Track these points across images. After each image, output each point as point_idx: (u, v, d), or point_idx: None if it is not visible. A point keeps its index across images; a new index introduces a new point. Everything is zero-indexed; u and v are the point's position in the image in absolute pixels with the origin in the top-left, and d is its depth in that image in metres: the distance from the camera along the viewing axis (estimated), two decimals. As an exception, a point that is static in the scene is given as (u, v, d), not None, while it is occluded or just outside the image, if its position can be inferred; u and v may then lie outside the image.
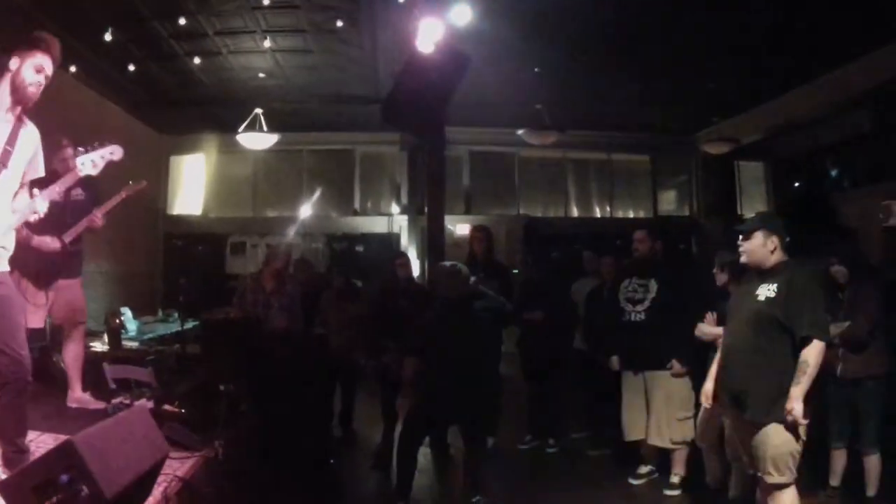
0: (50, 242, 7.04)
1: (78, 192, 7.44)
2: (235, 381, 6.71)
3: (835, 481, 7.47)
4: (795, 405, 5.10)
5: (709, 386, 6.10)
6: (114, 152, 5.53)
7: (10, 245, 5.02)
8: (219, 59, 13.06)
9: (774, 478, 5.36)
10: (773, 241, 5.54)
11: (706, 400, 6.13)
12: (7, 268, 5.01)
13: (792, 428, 5.23)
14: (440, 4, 9.32)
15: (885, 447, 7.21)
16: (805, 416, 5.13)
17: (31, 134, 5.00)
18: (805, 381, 5.12)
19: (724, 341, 5.91)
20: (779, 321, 5.28)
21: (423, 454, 8.52)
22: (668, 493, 7.85)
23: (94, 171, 5.40)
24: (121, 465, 3.69)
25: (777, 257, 5.54)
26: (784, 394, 5.19)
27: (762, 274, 5.57)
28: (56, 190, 5.02)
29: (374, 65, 13.28)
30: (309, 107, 15.41)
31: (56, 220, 7.18)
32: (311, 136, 17.77)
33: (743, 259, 5.70)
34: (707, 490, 7.54)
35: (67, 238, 7.22)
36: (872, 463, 7.27)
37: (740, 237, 5.71)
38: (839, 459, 7.42)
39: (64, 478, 3.37)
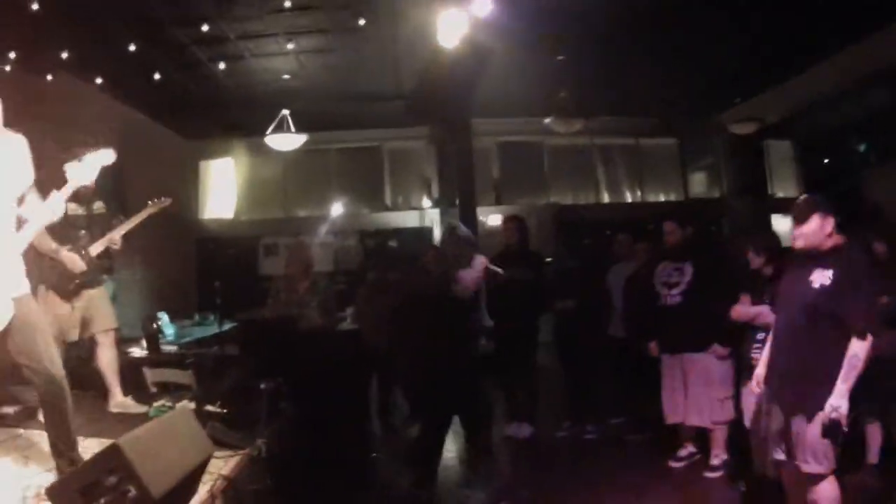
0: (77, 262, 7.15)
1: (100, 206, 7.55)
2: (274, 379, 6.77)
3: (872, 458, 7.46)
4: (842, 402, 5.04)
5: (760, 371, 6.07)
6: (106, 156, 5.56)
7: (20, 265, 5.03)
8: (242, 63, 13.14)
9: (811, 466, 5.33)
10: (830, 224, 5.47)
11: (758, 385, 6.10)
12: (27, 288, 5.04)
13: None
14: (461, -4, 9.34)
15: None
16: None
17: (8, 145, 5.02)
18: (853, 377, 5.07)
19: (775, 326, 5.86)
20: (832, 310, 5.22)
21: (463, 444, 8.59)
22: (709, 475, 7.85)
23: (88, 180, 5.45)
24: (166, 466, 3.74)
25: (833, 240, 5.48)
26: (829, 385, 5.16)
27: (817, 257, 5.50)
28: (56, 199, 5.02)
29: (397, 61, 13.31)
30: (334, 106, 15.46)
31: (79, 233, 7.30)
32: (338, 134, 17.82)
33: (799, 244, 5.62)
34: (749, 472, 7.53)
35: (92, 252, 7.32)
36: (872, 432, 7.28)
37: (794, 222, 5.64)
38: (874, 436, 7.40)
39: (111, 480, 3.41)
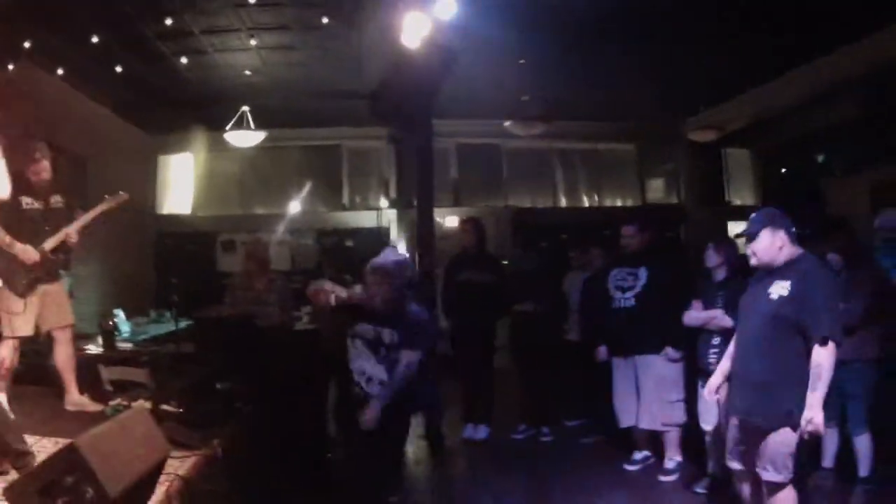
0: (31, 253, 7.10)
1: (57, 200, 7.49)
2: (231, 378, 6.76)
3: (827, 462, 7.59)
4: (816, 414, 5.10)
5: (715, 380, 6.13)
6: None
7: None
8: (205, 58, 13.09)
9: (771, 475, 5.40)
10: (781, 238, 5.53)
11: (710, 394, 6.18)
12: None
13: (796, 429, 5.27)
14: (425, -1, 9.36)
15: (874, 428, 7.32)
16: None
17: None
18: (822, 387, 5.12)
19: (737, 339, 5.91)
20: (792, 320, 5.29)
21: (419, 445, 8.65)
22: (664, 478, 7.94)
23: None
24: (124, 466, 3.73)
25: (787, 253, 5.54)
26: (796, 398, 5.22)
27: (774, 271, 5.57)
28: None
29: (360, 60, 13.32)
30: (295, 103, 15.44)
31: (37, 226, 7.25)
32: (298, 132, 17.71)
33: (753, 262, 5.69)
34: (702, 475, 7.60)
35: (47, 247, 7.27)
36: (863, 443, 7.38)
37: (745, 240, 5.71)
38: (830, 440, 7.52)
39: (68, 480, 3.41)
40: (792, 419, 5.23)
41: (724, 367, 6.09)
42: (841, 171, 15.97)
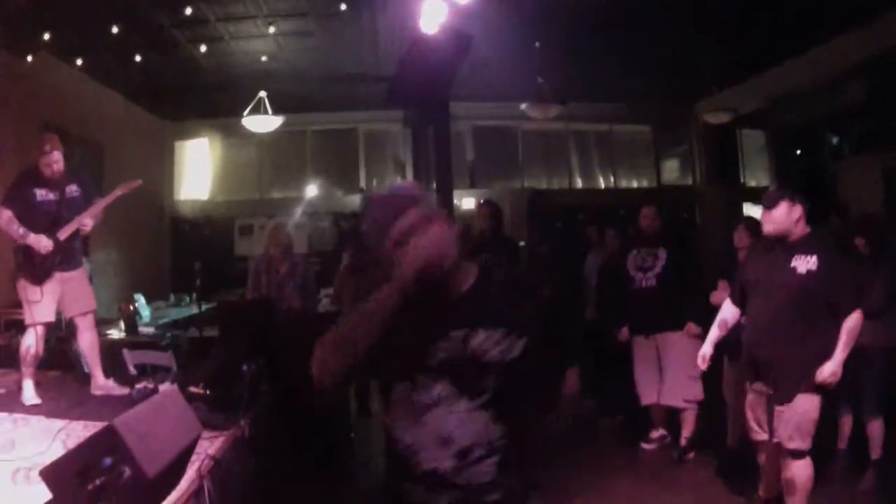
0: (44, 242, 7.20)
1: (73, 189, 7.58)
2: (255, 361, 6.82)
3: (842, 444, 7.69)
4: (838, 369, 5.22)
5: (707, 350, 6.22)
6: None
7: None
8: (221, 46, 13.11)
9: (796, 443, 5.48)
10: (798, 211, 5.59)
11: (703, 362, 6.26)
12: None
13: (819, 398, 5.36)
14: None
15: (887, 414, 7.41)
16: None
17: None
18: (848, 348, 5.24)
19: (752, 313, 5.96)
20: (822, 293, 5.36)
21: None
22: (680, 456, 8.02)
23: None
24: (160, 446, 3.80)
25: (802, 227, 5.60)
26: (818, 364, 5.31)
27: (792, 245, 5.62)
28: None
29: (376, 45, 13.32)
30: (312, 88, 15.45)
31: (53, 216, 7.34)
32: (315, 116, 17.78)
33: (768, 229, 5.74)
34: (719, 450, 7.68)
35: (62, 236, 7.36)
36: (875, 428, 7.45)
37: (764, 208, 5.76)
38: (845, 424, 7.64)
39: (106, 461, 3.46)
40: (817, 388, 5.32)
41: (713, 335, 6.20)
42: (854, 154, 15.99)
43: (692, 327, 7.94)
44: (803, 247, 5.55)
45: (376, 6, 11.58)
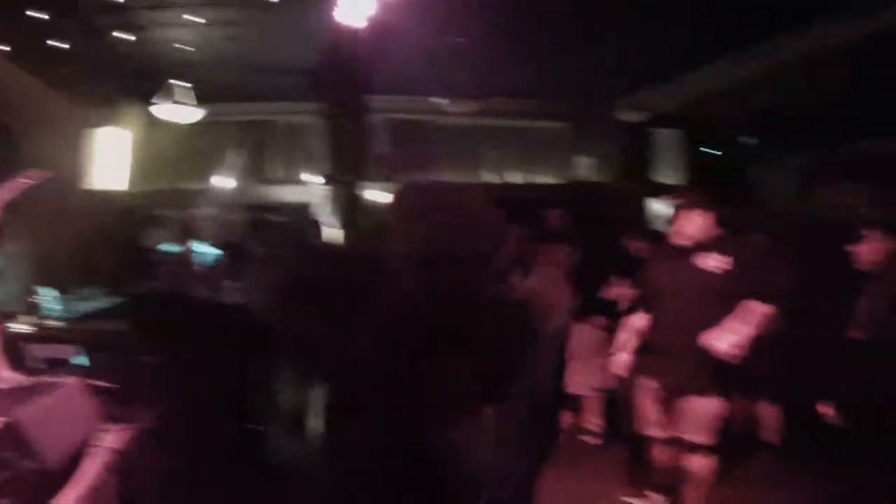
0: None
1: None
2: (163, 354, 6.73)
3: (740, 430, 7.92)
4: (741, 343, 5.26)
5: (625, 359, 6.28)
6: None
7: None
8: (143, 33, 12.92)
9: (698, 438, 5.54)
10: (711, 218, 5.66)
11: (621, 370, 6.33)
12: None
13: (723, 395, 5.43)
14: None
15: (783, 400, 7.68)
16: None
17: None
18: (752, 326, 5.28)
19: (659, 315, 6.03)
20: (730, 294, 5.41)
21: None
22: (587, 440, 8.13)
23: None
24: (63, 440, 3.74)
25: (713, 231, 5.67)
26: (727, 367, 5.37)
27: (699, 247, 5.68)
28: None
29: (298, 36, 13.21)
30: (231, 78, 15.34)
31: None
32: (234, 107, 17.65)
33: (680, 240, 5.80)
34: (622, 438, 7.79)
35: None
36: (772, 414, 7.69)
37: (676, 219, 5.82)
38: (771, 417, 7.84)
39: (8, 455, 3.40)
40: (722, 386, 5.38)
41: (628, 344, 6.26)
42: (769, 156, 16.28)
43: (598, 319, 8.08)
44: (713, 249, 5.62)
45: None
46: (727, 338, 5.36)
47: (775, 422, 7.93)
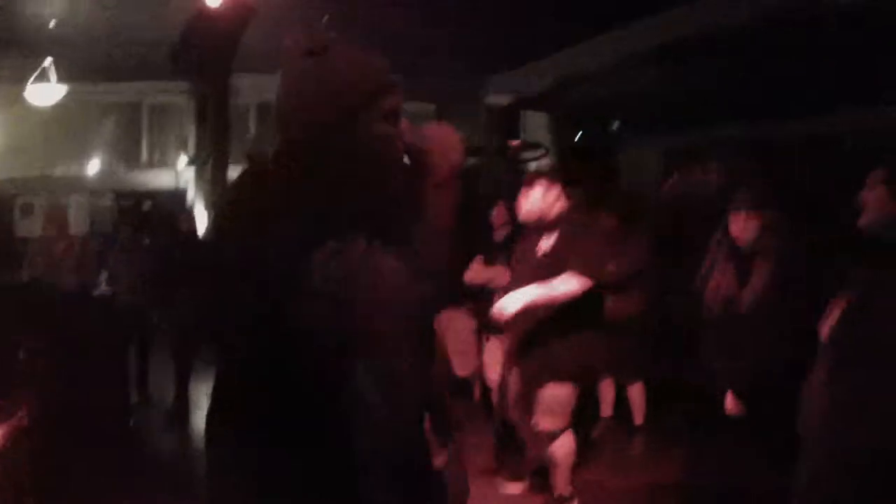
0: None
1: None
2: (33, 346, 6.56)
3: (606, 412, 8.02)
4: (512, 304, 5.25)
5: (493, 345, 6.33)
6: None
7: None
8: (7, 6, 12.45)
9: (548, 424, 5.59)
10: (554, 192, 5.66)
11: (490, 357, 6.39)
12: None
13: (568, 381, 5.47)
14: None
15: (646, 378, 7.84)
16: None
17: None
18: (539, 296, 5.27)
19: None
20: (557, 271, 5.42)
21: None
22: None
23: None
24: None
25: (558, 208, 5.67)
26: (562, 346, 5.40)
27: (544, 227, 5.70)
28: None
29: (167, 13, 12.91)
30: (99, 56, 14.89)
31: None
32: (101, 87, 17.22)
33: (523, 216, 5.81)
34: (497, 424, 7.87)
35: None
36: (636, 394, 7.82)
37: (523, 189, 5.81)
38: (607, 391, 7.97)
39: None
40: (567, 371, 5.42)
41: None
42: (635, 138, 16.58)
43: (465, 305, 8.14)
44: (552, 228, 5.65)
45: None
46: (511, 300, 5.37)
47: (640, 400, 8.09)
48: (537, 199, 5.68)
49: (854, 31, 10.43)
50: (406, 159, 2.32)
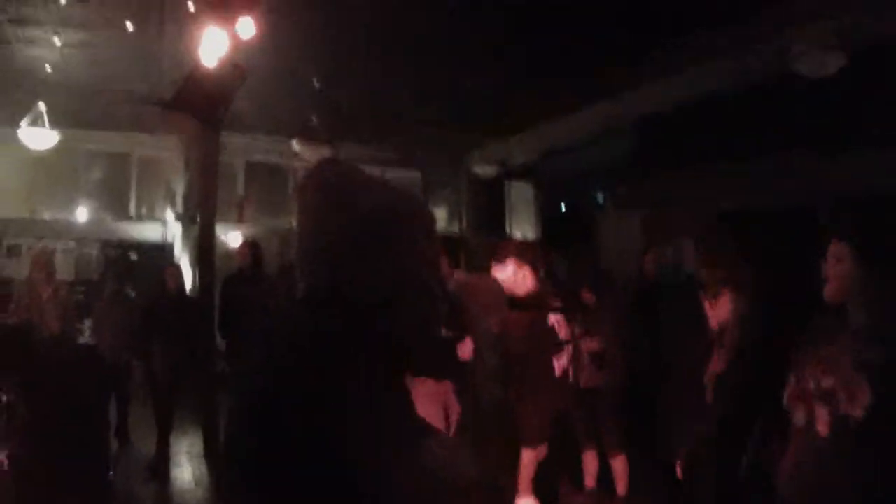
0: None
1: None
2: (14, 390, 6.59)
3: (590, 482, 8.09)
4: None
5: None
6: None
7: None
8: (5, 49, 12.55)
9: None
10: (526, 270, 5.78)
11: None
12: None
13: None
14: (227, 16, 9.32)
15: (628, 448, 7.88)
16: None
17: None
18: None
19: None
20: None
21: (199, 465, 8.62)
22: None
23: None
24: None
25: (528, 286, 5.77)
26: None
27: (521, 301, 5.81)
28: None
29: (161, 67, 13.04)
30: (90, 105, 14.97)
31: None
32: (91, 134, 17.23)
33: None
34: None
35: None
36: (619, 464, 7.89)
37: (493, 264, 5.93)
38: (591, 462, 8.04)
39: None
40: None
41: None
42: (616, 208, 16.76)
43: None
44: (531, 302, 5.76)
45: (163, 27, 11.35)
46: None
47: (623, 470, 8.15)
48: (508, 276, 5.79)
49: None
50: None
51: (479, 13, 10.30)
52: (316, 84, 12.84)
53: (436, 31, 10.76)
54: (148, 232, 17.83)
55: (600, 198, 18.25)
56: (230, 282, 10.61)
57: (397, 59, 11.80)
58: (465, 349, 6.70)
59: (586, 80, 12.19)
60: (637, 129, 14.29)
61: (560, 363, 7.31)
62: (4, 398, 6.45)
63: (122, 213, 17.99)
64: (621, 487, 8.12)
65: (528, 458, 6.13)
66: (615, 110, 13.42)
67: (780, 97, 11.19)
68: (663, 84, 11.84)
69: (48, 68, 13.21)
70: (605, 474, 8.15)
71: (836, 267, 3.54)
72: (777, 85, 10.67)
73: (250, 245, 10.82)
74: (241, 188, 18.58)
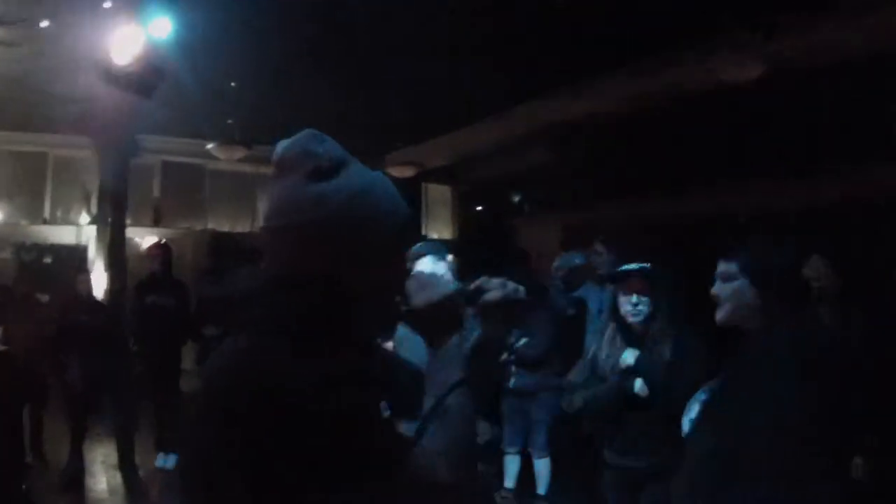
0: None
1: None
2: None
3: (509, 483, 8.17)
4: None
5: None
6: None
7: None
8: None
9: None
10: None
11: None
12: None
13: None
14: (141, 14, 9.19)
15: (553, 451, 7.98)
16: None
17: None
18: None
19: None
20: None
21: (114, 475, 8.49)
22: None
23: None
24: None
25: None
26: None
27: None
28: None
29: (76, 67, 12.79)
30: (8, 102, 14.62)
31: None
32: (7, 136, 16.86)
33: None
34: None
35: None
36: (543, 466, 8.00)
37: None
38: (512, 464, 8.12)
39: None
40: None
41: None
42: (534, 212, 16.83)
43: None
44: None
45: (79, 26, 11.14)
46: None
47: (546, 473, 8.22)
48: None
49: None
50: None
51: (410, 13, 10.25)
52: (233, 84, 12.71)
53: (357, 31, 10.69)
54: (62, 235, 17.51)
55: (521, 202, 18.34)
56: (141, 285, 10.49)
57: (318, 60, 11.71)
58: None
59: (502, 84, 12.20)
60: (558, 133, 14.33)
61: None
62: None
63: (37, 217, 17.62)
64: (542, 487, 8.27)
65: None
66: (534, 115, 13.47)
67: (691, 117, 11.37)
68: (585, 92, 11.96)
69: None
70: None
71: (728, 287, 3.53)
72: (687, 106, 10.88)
73: (160, 248, 10.76)
74: (156, 189, 18.32)
